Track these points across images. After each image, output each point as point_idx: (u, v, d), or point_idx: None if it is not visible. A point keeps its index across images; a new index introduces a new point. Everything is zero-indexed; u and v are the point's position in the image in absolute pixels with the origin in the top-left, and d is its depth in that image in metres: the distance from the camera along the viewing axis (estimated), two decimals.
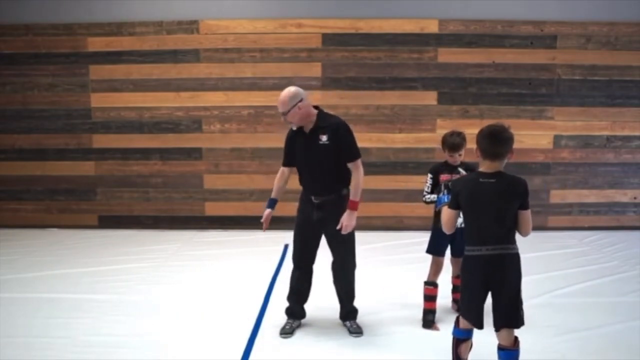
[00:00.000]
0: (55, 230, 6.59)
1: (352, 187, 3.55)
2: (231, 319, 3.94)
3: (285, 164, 3.80)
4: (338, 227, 3.48)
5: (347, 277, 3.73)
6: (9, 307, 4.12)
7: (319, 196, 3.58)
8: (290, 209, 6.42)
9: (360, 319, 3.88)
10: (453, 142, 3.76)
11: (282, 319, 3.83)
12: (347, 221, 3.47)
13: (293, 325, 3.76)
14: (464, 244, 3.70)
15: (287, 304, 3.84)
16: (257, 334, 3.69)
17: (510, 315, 2.74)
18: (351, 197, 3.52)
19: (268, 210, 3.76)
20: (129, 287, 4.59)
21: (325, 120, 3.56)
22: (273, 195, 3.81)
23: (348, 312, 3.79)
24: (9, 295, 4.38)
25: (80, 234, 6.38)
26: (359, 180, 3.54)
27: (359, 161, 3.57)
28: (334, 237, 3.61)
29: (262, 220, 3.77)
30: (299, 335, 3.69)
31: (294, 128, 3.59)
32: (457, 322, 2.96)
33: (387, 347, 3.51)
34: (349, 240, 3.63)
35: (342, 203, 3.54)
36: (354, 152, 3.55)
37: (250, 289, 4.54)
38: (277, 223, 6.54)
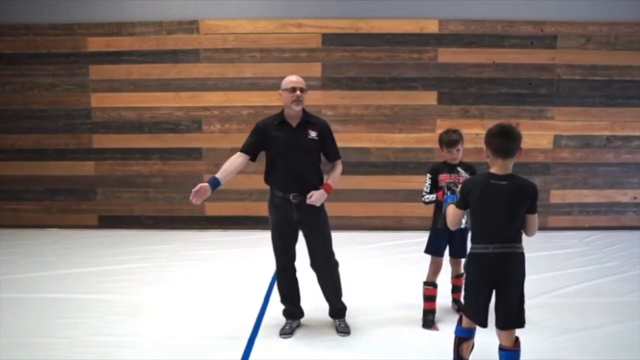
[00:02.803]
0: (55, 230, 6.59)
1: (332, 175, 3.60)
2: (231, 319, 3.94)
3: (246, 151, 3.57)
4: (309, 197, 3.43)
5: (332, 274, 3.71)
6: (9, 307, 4.13)
7: (299, 195, 3.47)
8: None
9: (360, 319, 3.90)
10: (449, 138, 3.76)
11: (282, 319, 3.83)
12: (316, 197, 3.44)
13: (292, 325, 3.75)
14: (463, 245, 3.71)
15: (283, 308, 3.83)
16: (257, 334, 3.69)
17: (515, 315, 2.75)
18: (329, 181, 3.56)
19: (206, 185, 3.31)
20: (129, 287, 4.59)
21: (312, 117, 3.62)
22: (219, 175, 3.42)
23: (338, 310, 3.79)
24: (9, 295, 4.39)
25: (80, 234, 6.39)
26: (339, 173, 3.64)
27: (340, 160, 3.68)
28: (315, 236, 3.60)
29: (194, 190, 3.27)
30: (298, 335, 3.69)
31: (297, 108, 3.48)
32: (460, 320, 2.96)
33: (387, 347, 3.51)
34: (329, 238, 3.65)
35: None
36: (338, 151, 3.67)
37: (250, 289, 4.54)
38: None
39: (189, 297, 4.38)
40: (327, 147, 3.61)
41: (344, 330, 3.72)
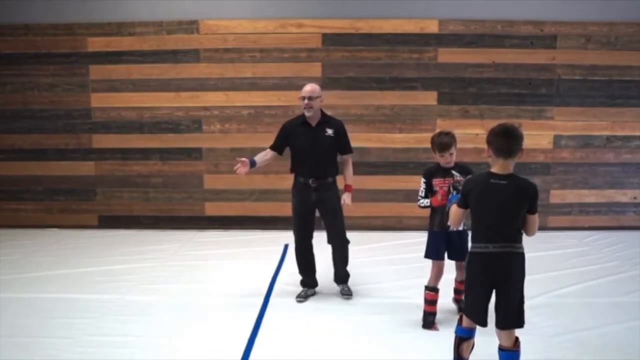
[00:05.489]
0: (55, 230, 6.60)
1: (348, 175, 4.33)
2: (231, 319, 3.94)
3: (274, 148, 4.33)
4: (345, 205, 4.23)
5: (344, 246, 4.36)
6: (9, 307, 4.13)
7: (317, 179, 4.17)
8: (289, 209, 6.41)
9: (360, 318, 3.93)
10: (441, 141, 3.66)
11: (282, 320, 3.86)
12: (348, 199, 4.26)
13: (308, 293, 4.38)
14: (462, 247, 3.69)
15: (300, 278, 4.44)
16: (257, 334, 3.69)
17: (514, 315, 2.74)
18: (349, 182, 4.31)
19: (246, 160, 4.11)
20: (129, 287, 4.59)
21: (329, 118, 4.31)
22: (256, 158, 4.23)
23: (343, 277, 4.44)
24: (9, 295, 4.39)
25: (80, 234, 6.39)
26: (352, 171, 4.36)
27: (350, 156, 4.37)
28: (329, 214, 4.26)
29: (239, 159, 4.10)
30: (299, 336, 3.70)
31: (308, 114, 4.13)
32: (460, 320, 2.96)
33: (386, 346, 3.51)
34: (341, 214, 4.29)
35: (332, 186, 4.27)
36: (350, 147, 4.36)
37: (250, 289, 4.54)
38: (277, 223, 6.60)
39: (189, 297, 4.38)
40: (341, 143, 4.27)
41: (347, 292, 4.37)
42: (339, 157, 4.33)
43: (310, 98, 4.11)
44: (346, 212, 4.30)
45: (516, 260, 2.74)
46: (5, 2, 6.39)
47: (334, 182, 4.29)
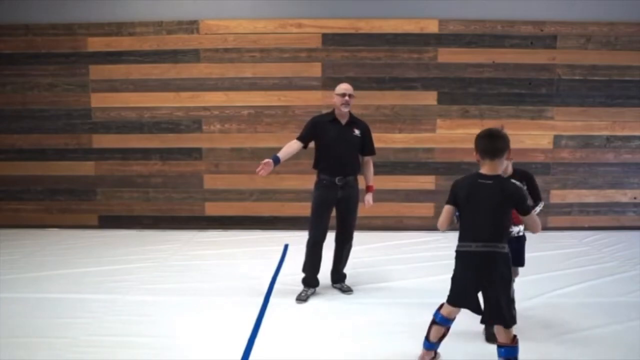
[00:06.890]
0: (55, 230, 6.60)
1: (370, 176, 4.42)
2: (231, 319, 3.94)
3: (301, 140, 4.26)
4: (368, 204, 4.37)
5: (350, 244, 4.47)
6: (9, 307, 4.12)
7: (343, 177, 4.22)
8: (289, 209, 6.48)
9: (360, 318, 3.92)
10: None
11: (283, 320, 3.85)
12: (371, 200, 4.41)
13: (308, 293, 4.31)
14: (520, 252, 3.41)
15: (302, 277, 4.39)
16: (257, 334, 3.69)
17: (498, 313, 2.80)
18: (371, 183, 4.42)
19: (270, 161, 4.02)
20: (129, 287, 4.58)
21: (356, 118, 4.38)
22: (280, 154, 4.12)
23: (343, 276, 4.53)
24: (9, 295, 4.38)
25: (80, 234, 6.39)
26: (372, 171, 4.45)
27: (371, 157, 4.44)
28: (350, 212, 4.34)
29: (262, 162, 3.99)
30: (299, 336, 3.70)
31: (345, 109, 4.20)
32: (440, 307, 3.02)
33: (386, 347, 3.51)
34: (356, 216, 4.41)
35: (355, 185, 4.33)
36: (374, 149, 4.43)
37: (250, 289, 4.54)
38: (277, 223, 6.60)
39: (189, 297, 4.38)
40: (366, 144, 4.35)
41: (348, 289, 4.45)
42: (360, 158, 4.40)
43: (350, 95, 4.20)
44: (362, 212, 4.44)
45: (500, 259, 2.80)
46: (5, 2, 6.39)
47: (355, 180, 4.34)
